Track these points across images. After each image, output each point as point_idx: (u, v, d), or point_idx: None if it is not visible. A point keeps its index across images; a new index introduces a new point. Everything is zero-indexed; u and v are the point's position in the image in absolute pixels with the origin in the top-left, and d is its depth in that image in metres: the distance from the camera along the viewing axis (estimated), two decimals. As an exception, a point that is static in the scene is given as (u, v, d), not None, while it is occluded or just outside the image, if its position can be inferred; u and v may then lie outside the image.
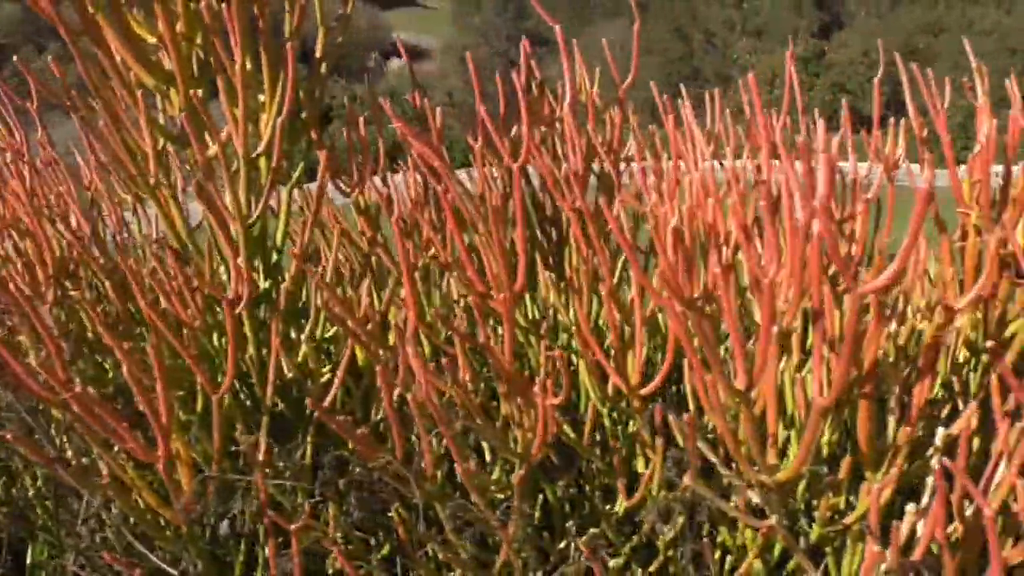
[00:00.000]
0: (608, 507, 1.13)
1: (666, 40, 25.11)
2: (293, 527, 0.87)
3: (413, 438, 1.07)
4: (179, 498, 0.99)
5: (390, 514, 1.08)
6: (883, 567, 0.87)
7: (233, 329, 0.95)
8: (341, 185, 1.32)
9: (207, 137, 1.16)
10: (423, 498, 0.96)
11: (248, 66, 1.15)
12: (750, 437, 0.91)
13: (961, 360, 1.25)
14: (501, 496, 1.09)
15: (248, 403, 1.29)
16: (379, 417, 1.22)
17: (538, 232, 1.52)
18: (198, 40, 1.14)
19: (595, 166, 1.41)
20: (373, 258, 1.38)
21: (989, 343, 0.98)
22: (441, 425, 0.87)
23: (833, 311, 0.91)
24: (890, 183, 1.27)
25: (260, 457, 1.01)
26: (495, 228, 0.98)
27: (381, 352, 1.11)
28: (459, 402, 0.95)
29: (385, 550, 1.17)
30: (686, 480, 0.92)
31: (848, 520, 1.04)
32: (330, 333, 1.30)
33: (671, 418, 0.98)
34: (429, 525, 1.04)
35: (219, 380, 1.16)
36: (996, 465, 0.89)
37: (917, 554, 0.86)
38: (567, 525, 1.09)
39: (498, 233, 0.99)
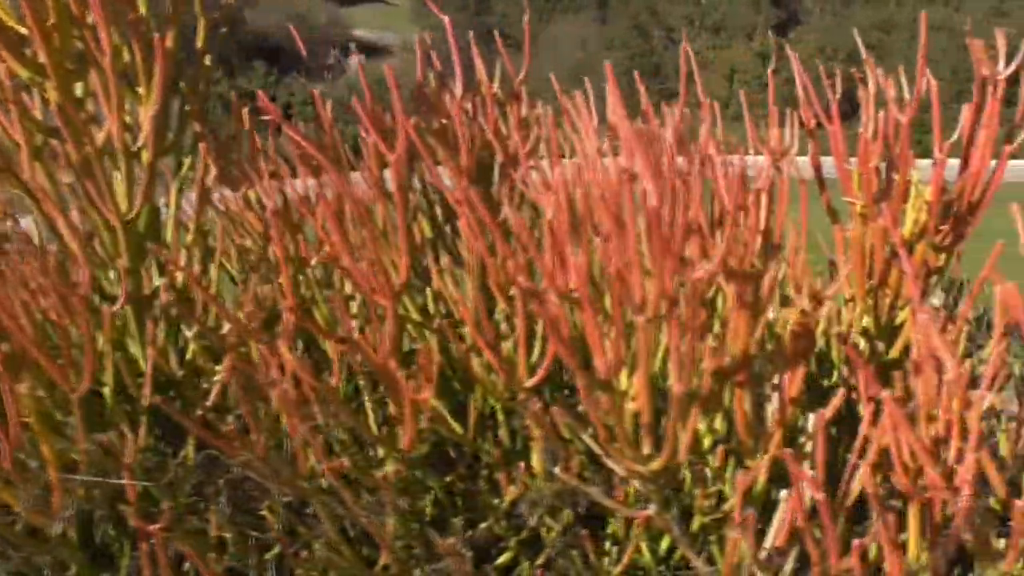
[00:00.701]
0: (496, 501, 1.13)
1: (627, 36, 25.30)
2: (153, 528, 0.85)
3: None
4: (48, 503, 0.97)
5: (276, 512, 1.07)
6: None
7: (89, 329, 0.93)
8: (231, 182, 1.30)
9: (86, 131, 1.13)
10: (295, 496, 0.94)
11: (127, 58, 1.13)
12: (618, 426, 0.91)
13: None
14: (391, 491, 1.08)
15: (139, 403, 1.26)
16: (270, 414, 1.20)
17: (446, 228, 1.52)
18: (74, 32, 1.12)
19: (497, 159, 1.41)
20: (270, 254, 1.36)
21: (836, 330, 0.99)
22: (300, 421, 0.86)
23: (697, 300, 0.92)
24: (779, 173, 1.28)
25: (132, 458, 0.98)
26: (366, 223, 0.97)
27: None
28: (330, 398, 0.94)
29: (275, 549, 1.15)
30: (558, 471, 0.92)
31: (726, 508, 1.04)
32: (223, 331, 1.28)
33: (553, 410, 0.97)
34: (309, 524, 1.02)
35: (102, 380, 1.13)
36: (861, 450, 0.90)
37: (780, 540, 0.87)
38: (453, 520, 1.08)
39: (372, 228, 0.98)
